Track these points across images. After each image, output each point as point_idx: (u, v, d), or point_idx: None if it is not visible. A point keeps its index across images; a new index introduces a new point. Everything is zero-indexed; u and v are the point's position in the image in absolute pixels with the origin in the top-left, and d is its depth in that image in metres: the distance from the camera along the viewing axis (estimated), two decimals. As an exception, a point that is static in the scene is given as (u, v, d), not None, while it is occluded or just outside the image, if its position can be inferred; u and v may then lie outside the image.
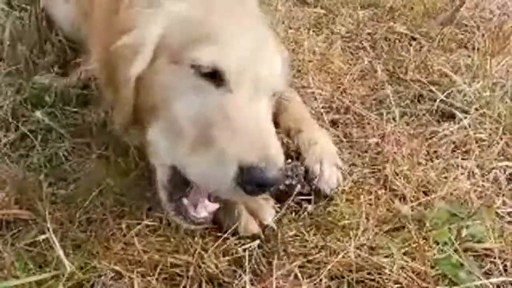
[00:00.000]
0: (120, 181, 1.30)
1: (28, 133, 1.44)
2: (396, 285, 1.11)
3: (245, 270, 1.10)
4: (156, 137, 1.10)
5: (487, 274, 1.15)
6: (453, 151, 1.51)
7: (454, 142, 1.53)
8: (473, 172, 1.42)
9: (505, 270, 1.16)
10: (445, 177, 1.40)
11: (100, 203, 1.25)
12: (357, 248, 1.17)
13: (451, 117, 1.65)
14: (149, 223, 1.20)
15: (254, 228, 1.20)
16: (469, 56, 1.97)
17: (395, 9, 2.32)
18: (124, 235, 1.18)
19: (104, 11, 1.23)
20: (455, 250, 1.18)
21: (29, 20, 1.77)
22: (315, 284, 1.10)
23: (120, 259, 1.12)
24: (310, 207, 1.28)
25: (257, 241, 1.18)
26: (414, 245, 1.18)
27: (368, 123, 1.60)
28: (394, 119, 1.62)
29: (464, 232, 1.21)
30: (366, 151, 1.49)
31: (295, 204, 1.29)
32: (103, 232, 1.18)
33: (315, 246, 1.19)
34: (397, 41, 2.07)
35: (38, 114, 1.49)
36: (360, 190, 1.35)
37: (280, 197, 1.27)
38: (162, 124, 1.08)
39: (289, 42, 1.97)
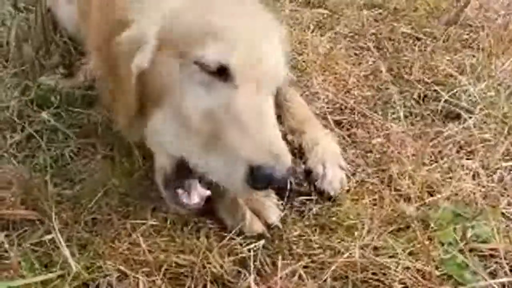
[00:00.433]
0: (125, 181, 1.31)
1: (34, 133, 1.45)
2: (401, 286, 1.10)
3: (250, 270, 1.11)
4: (162, 127, 1.11)
5: (492, 275, 1.14)
6: (458, 151, 1.50)
7: (459, 142, 1.53)
8: (478, 172, 1.42)
9: (511, 271, 1.15)
10: (450, 177, 1.40)
11: (106, 204, 1.26)
12: (362, 248, 1.17)
13: (456, 117, 1.64)
14: (154, 223, 1.21)
15: (259, 227, 1.20)
16: (473, 56, 1.96)
17: (400, 10, 2.31)
18: (129, 235, 1.18)
19: (101, 7, 1.25)
20: (460, 251, 1.17)
21: (35, 22, 1.78)
22: (319, 284, 1.10)
23: (125, 259, 1.13)
24: (314, 208, 1.28)
25: (262, 241, 1.18)
26: (419, 246, 1.18)
27: (373, 123, 1.60)
28: (398, 119, 1.61)
29: (469, 233, 1.21)
30: (370, 151, 1.49)
31: (299, 204, 1.30)
32: (108, 232, 1.19)
33: (320, 246, 1.19)
34: (401, 41, 2.07)
35: (44, 114, 1.51)
36: (365, 190, 1.35)
37: (279, 192, 1.28)
38: (168, 113, 1.09)
39: (294, 42, 1.97)
